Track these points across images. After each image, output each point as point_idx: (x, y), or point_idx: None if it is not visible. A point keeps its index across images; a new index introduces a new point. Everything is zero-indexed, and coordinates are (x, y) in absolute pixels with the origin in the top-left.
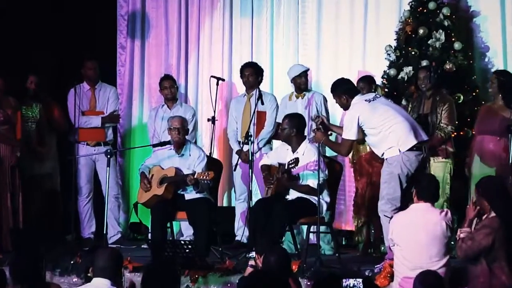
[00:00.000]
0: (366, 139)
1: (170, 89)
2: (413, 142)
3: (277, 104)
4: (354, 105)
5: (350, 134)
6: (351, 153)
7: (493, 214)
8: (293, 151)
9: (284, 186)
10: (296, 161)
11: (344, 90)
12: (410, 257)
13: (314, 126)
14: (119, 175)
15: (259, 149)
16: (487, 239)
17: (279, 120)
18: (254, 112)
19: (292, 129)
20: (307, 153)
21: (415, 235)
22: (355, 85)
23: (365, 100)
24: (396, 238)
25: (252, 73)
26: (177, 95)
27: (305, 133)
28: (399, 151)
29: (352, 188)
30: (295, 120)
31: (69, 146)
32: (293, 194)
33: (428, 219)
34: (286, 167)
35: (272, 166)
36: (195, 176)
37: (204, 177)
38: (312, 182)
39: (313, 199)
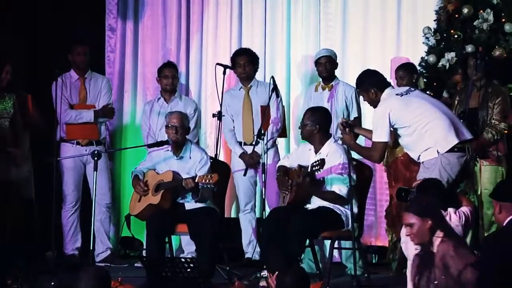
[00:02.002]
0: (399, 141)
1: (171, 79)
2: (454, 141)
3: (280, 96)
4: (384, 101)
5: (381, 135)
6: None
7: None
8: (316, 151)
9: (306, 192)
10: (321, 163)
11: (372, 83)
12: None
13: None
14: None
15: (267, 150)
16: None
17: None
18: (267, 106)
19: (314, 125)
20: (332, 154)
21: None
22: (384, 76)
23: (397, 94)
24: (405, 251)
25: (248, 62)
26: (177, 87)
27: (331, 131)
28: (438, 152)
29: (384, 197)
30: (318, 115)
31: (49, 146)
32: (314, 203)
33: None
34: (309, 170)
35: (290, 169)
36: (196, 180)
37: (207, 180)
38: (339, 189)
39: (338, 208)
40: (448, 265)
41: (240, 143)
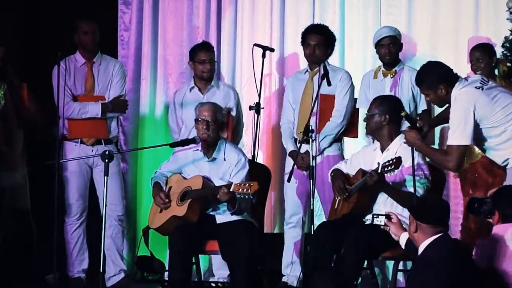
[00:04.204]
0: (484, 144)
1: (210, 65)
2: None
3: (351, 84)
4: (462, 95)
5: (462, 136)
6: None
7: None
8: (383, 149)
9: (368, 199)
10: (396, 162)
11: (440, 78)
12: None
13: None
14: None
15: (322, 150)
16: None
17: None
18: (317, 95)
19: (384, 115)
20: (404, 151)
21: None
22: (450, 67)
23: (476, 88)
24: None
25: (320, 43)
26: (214, 74)
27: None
28: None
29: (459, 208)
30: (389, 104)
31: (49, 146)
32: (371, 216)
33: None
34: (379, 170)
35: (348, 176)
36: (231, 189)
37: (245, 190)
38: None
39: (403, 222)
40: None
41: (295, 140)
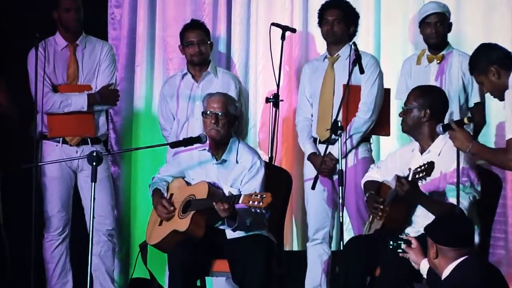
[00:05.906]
0: None
1: (199, 46)
2: None
3: (380, 71)
4: None
5: None
6: None
7: None
8: (422, 150)
9: (402, 211)
10: (428, 167)
11: (492, 60)
12: None
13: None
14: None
15: (349, 150)
16: None
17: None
18: (347, 85)
19: (424, 109)
20: (448, 153)
21: None
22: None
23: None
24: None
25: (339, 18)
26: (210, 56)
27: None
28: None
29: None
30: (430, 96)
31: (25, 146)
32: (414, 228)
33: None
34: (410, 178)
35: (383, 185)
36: (240, 201)
37: (256, 203)
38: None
39: None
40: None
41: (314, 140)
